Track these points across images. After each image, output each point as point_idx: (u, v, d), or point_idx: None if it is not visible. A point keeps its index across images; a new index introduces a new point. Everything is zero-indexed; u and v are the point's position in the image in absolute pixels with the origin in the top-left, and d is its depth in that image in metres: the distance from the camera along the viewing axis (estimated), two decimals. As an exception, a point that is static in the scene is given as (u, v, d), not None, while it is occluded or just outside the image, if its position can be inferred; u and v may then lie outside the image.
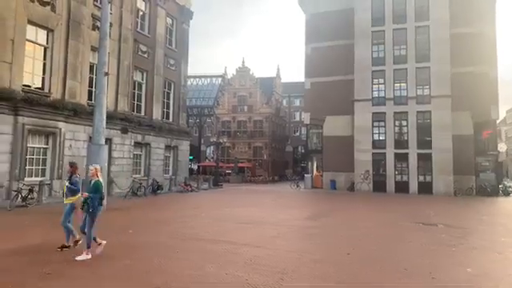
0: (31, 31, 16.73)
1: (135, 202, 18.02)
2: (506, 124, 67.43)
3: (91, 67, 19.56)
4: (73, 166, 8.08)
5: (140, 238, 9.09)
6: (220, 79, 56.14)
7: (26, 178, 15.86)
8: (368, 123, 28.98)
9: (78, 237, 7.51)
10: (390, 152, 28.19)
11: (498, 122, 32.95)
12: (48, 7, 17.43)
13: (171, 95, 27.76)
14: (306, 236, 10.36)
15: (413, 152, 27.59)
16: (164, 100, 26.82)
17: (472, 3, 28.22)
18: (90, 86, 19.54)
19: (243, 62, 55.28)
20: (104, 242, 7.19)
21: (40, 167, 16.98)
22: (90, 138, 16.86)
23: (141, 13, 24.75)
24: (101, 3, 16.99)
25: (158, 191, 22.41)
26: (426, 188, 26.85)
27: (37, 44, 17.19)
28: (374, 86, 29.39)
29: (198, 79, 55.44)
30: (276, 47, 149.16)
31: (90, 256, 6.83)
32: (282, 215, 14.39)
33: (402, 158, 27.96)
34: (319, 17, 32.68)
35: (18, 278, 5.76)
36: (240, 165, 48.32)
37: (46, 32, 17.50)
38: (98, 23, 17.80)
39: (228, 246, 8.28)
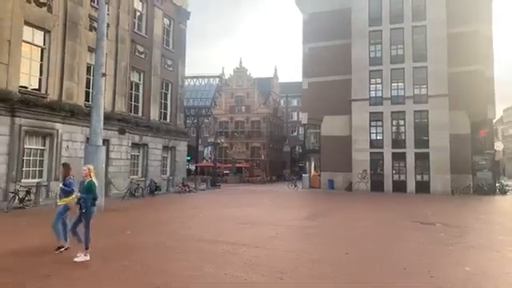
0: (28, 32, 16.69)
1: (133, 202, 17.98)
2: (502, 123, 67.71)
3: (88, 68, 19.52)
4: (66, 167, 8.02)
5: (138, 238, 9.08)
6: (217, 79, 56.11)
7: (23, 180, 15.81)
8: (365, 123, 29.03)
9: (62, 243, 7.36)
10: (388, 151, 28.25)
11: (494, 121, 33.11)
12: (44, 8, 17.39)
13: (168, 96, 27.75)
14: (304, 236, 10.37)
15: (410, 151, 27.66)
16: (161, 100, 26.81)
17: (469, 3, 28.32)
18: (87, 86, 19.50)
19: (240, 63, 55.32)
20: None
21: (37, 168, 16.94)
22: (88, 139, 16.84)
23: (138, 13, 24.73)
24: (98, 4, 17.00)
25: (156, 192, 22.37)
26: (423, 187, 26.92)
27: (33, 45, 17.15)
28: (371, 85, 29.43)
29: (195, 79, 55.39)
30: (273, 47, 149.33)
31: (88, 257, 6.81)
32: (280, 215, 14.41)
33: (399, 158, 28.02)
34: (316, 16, 32.72)
35: (17, 279, 5.74)
36: (238, 165, 48.33)
37: (42, 33, 17.46)
38: (95, 24, 17.77)
39: (226, 246, 8.28)
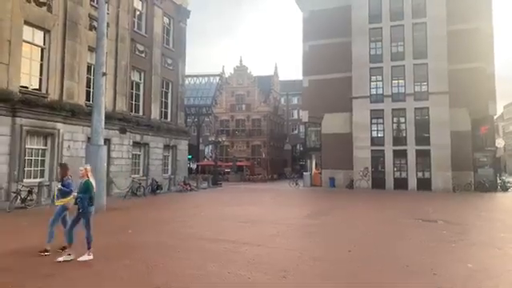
0: (28, 32, 16.66)
1: (134, 201, 18.00)
2: (503, 120, 67.67)
3: (89, 67, 19.50)
4: (63, 167, 7.95)
5: (140, 237, 9.09)
6: (218, 78, 56.04)
7: (24, 180, 15.81)
8: (366, 120, 29.01)
9: (48, 247, 7.17)
10: (389, 149, 28.24)
11: (495, 117, 33.06)
12: (44, 8, 17.36)
13: (169, 95, 27.73)
14: (306, 234, 10.36)
15: (411, 149, 27.64)
16: (162, 99, 26.79)
17: (469, 0, 28.23)
18: (88, 86, 19.49)
19: (241, 61, 55.31)
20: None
21: (39, 168, 16.94)
22: (89, 138, 16.84)
23: (137, 12, 24.69)
24: (97, 3, 16.95)
25: (158, 191, 22.39)
26: (424, 184, 26.91)
27: (34, 45, 17.12)
28: (371, 83, 29.41)
29: (195, 78, 55.30)
30: (274, 45, 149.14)
31: (91, 256, 6.83)
32: (281, 213, 14.42)
33: (400, 155, 28.00)
34: (317, 14, 32.68)
35: (19, 279, 5.76)
36: (239, 163, 48.32)
37: (42, 33, 17.43)
38: (95, 23, 17.75)
39: (228, 244, 8.28)
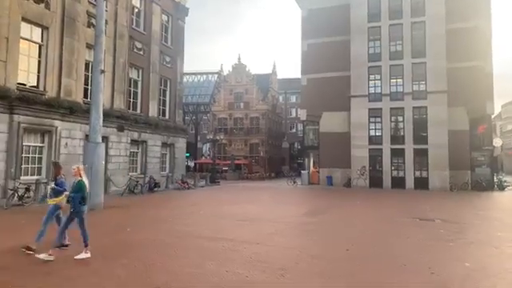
0: (26, 29, 16.58)
1: (132, 199, 17.97)
2: (501, 119, 67.80)
3: (87, 65, 19.44)
4: (56, 166, 7.89)
5: (138, 235, 9.08)
6: (216, 76, 56.05)
7: (22, 177, 15.77)
8: (364, 119, 29.02)
9: (34, 246, 7.00)
10: (387, 148, 28.26)
11: (493, 116, 33.13)
12: (42, 4, 17.27)
13: (167, 92, 27.68)
14: (304, 232, 10.38)
15: (409, 147, 27.68)
16: (160, 97, 26.74)
17: (467, -1, 28.29)
18: (86, 83, 19.42)
19: (239, 59, 55.13)
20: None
21: (36, 166, 16.89)
22: (86, 136, 16.82)
23: (136, 10, 24.61)
24: (96, 0, 16.87)
25: (155, 189, 22.37)
26: (422, 183, 26.96)
27: (31, 42, 17.04)
28: (370, 81, 29.39)
29: (193, 76, 55.35)
30: (272, 44, 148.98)
31: (89, 254, 6.82)
32: (279, 212, 14.43)
33: (398, 154, 28.04)
34: (315, 13, 32.64)
35: (17, 277, 5.74)
36: (237, 162, 48.30)
37: (40, 29, 17.35)
38: (93, 20, 17.69)
39: (227, 243, 8.28)
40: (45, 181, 16.64)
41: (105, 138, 18.66)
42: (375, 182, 28.08)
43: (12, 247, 7.51)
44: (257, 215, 13.09)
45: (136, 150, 23.94)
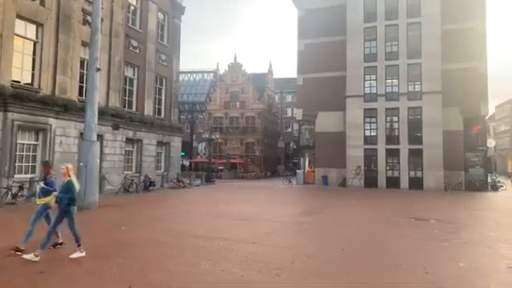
0: (20, 26, 16.44)
1: (127, 198, 17.91)
2: (494, 120, 68.29)
3: (82, 62, 19.33)
4: (46, 165, 7.81)
5: (133, 234, 9.04)
6: (212, 75, 55.91)
7: (15, 175, 15.64)
8: (360, 119, 29.12)
9: (22, 247, 6.90)
10: (382, 148, 28.38)
11: (487, 117, 33.36)
12: (37, 1, 17.14)
13: (163, 91, 27.58)
14: (299, 232, 10.39)
15: (404, 148, 27.81)
16: (156, 96, 26.64)
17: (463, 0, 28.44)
18: (81, 81, 19.32)
19: (235, 58, 55.02)
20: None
21: (30, 164, 16.76)
22: (81, 134, 16.71)
23: (132, 7, 24.49)
24: (91, -3, 16.76)
25: (150, 187, 22.29)
26: (416, 183, 27.11)
27: (26, 39, 16.89)
28: (365, 82, 29.49)
29: (189, 75, 55.16)
30: (268, 43, 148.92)
31: (83, 253, 6.78)
32: (274, 211, 14.44)
33: (393, 154, 28.17)
34: (312, 13, 32.69)
35: (11, 276, 5.70)
36: (232, 161, 48.26)
37: (35, 26, 17.21)
38: (89, 18, 17.59)
39: (222, 242, 8.28)
40: (38, 179, 16.54)
41: (100, 137, 18.59)
42: (370, 181, 28.19)
43: (6, 246, 7.43)
44: (252, 214, 13.09)
45: (131, 149, 23.84)
